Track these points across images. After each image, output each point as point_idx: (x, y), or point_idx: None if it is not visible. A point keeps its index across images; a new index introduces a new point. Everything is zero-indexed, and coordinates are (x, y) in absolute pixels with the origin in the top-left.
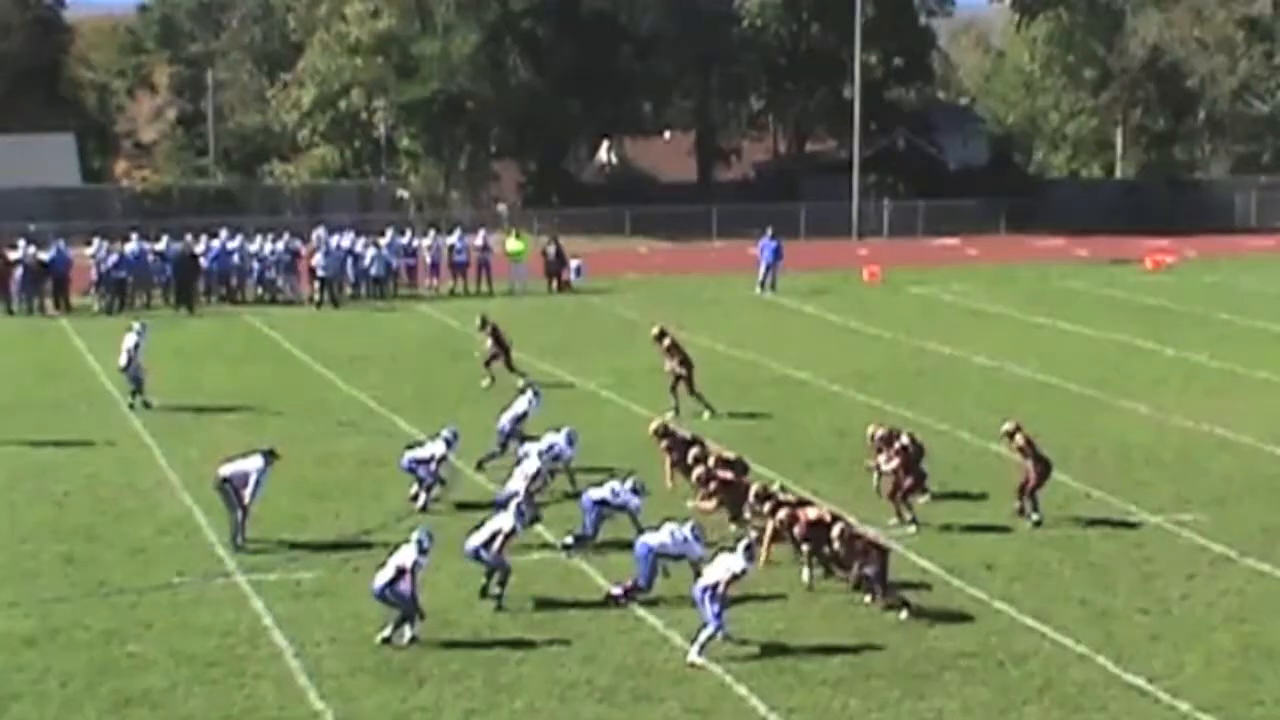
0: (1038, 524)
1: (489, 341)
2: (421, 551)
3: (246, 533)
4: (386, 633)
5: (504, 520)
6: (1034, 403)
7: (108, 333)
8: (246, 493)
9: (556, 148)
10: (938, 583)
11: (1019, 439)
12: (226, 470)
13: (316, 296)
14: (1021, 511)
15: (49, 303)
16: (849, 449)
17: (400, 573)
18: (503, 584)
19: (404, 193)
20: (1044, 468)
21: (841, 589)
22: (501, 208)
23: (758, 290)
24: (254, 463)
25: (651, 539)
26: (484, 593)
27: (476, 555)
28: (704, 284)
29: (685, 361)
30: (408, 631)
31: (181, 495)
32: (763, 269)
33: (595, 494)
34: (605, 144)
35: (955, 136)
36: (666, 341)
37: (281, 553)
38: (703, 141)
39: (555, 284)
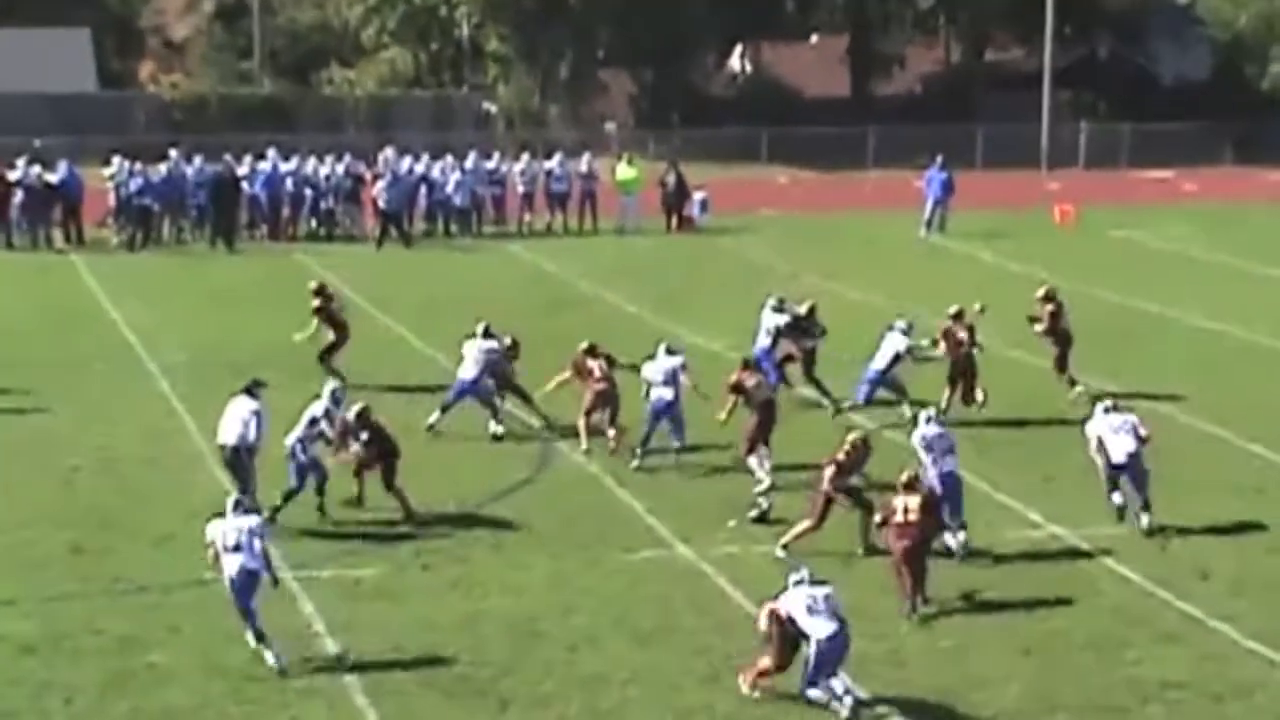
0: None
1: (321, 324)
2: (335, 402)
3: (253, 494)
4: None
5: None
6: (1261, 373)
7: (129, 272)
8: (256, 445)
9: (678, 54)
10: (1140, 595)
11: (1048, 307)
12: (230, 437)
13: (378, 233)
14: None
15: (57, 234)
16: (1032, 430)
17: (313, 423)
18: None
19: (491, 106)
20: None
21: (1017, 604)
22: (610, 127)
23: (923, 232)
24: (247, 407)
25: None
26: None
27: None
28: (856, 223)
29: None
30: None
31: (216, 472)
32: (930, 206)
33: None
34: (738, 50)
35: (1171, 44)
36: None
37: (336, 544)
38: (858, 48)
39: (674, 221)
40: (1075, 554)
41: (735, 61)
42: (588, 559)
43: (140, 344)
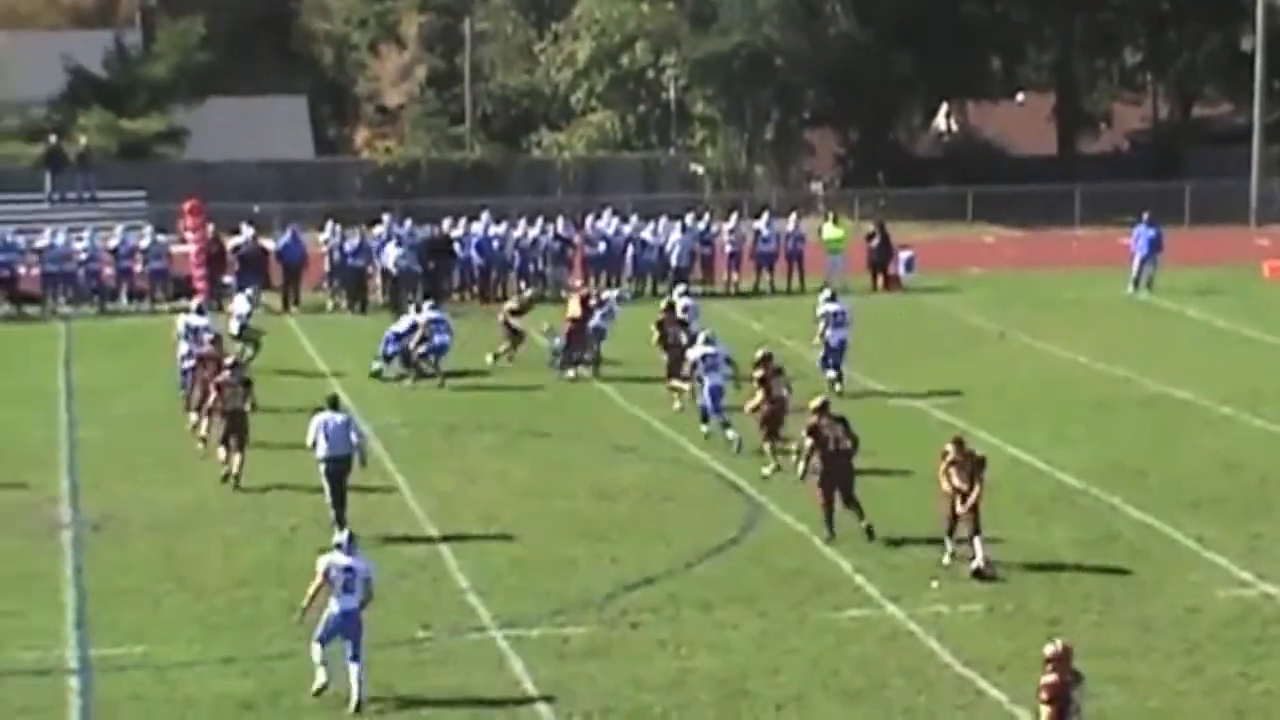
0: None
1: None
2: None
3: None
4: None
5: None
6: None
7: (343, 334)
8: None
9: (884, 114)
10: None
11: None
12: (340, 448)
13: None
14: None
15: (273, 297)
16: (1242, 486)
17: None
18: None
19: (698, 168)
20: None
21: (1228, 664)
22: (816, 187)
23: (1130, 289)
24: (342, 419)
25: None
26: None
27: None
28: (1064, 281)
29: None
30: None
31: (427, 531)
32: (1137, 263)
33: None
34: (943, 109)
35: None
36: None
37: (546, 603)
38: (1064, 106)
39: (880, 280)
40: None
41: (941, 120)
42: (795, 618)
43: (355, 405)
